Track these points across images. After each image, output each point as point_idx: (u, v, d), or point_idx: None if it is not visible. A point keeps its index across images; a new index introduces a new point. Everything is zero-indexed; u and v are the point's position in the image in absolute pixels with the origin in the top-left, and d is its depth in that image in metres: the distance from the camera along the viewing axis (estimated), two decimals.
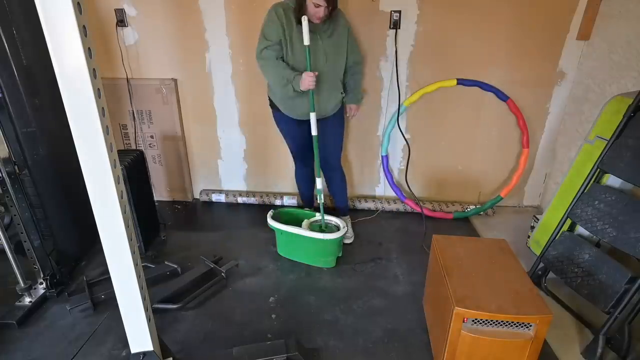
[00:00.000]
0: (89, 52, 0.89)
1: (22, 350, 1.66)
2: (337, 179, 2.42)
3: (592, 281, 1.67)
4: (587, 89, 2.37)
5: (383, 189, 2.90)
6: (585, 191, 1.83)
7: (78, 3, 0.84)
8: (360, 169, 2.84)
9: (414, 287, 2.03)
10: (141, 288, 1.19)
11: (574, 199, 1.85)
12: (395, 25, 2.37)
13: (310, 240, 2.11)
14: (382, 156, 2.71)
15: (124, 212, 1.06)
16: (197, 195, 2.99)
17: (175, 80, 2.61)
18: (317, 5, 1.83)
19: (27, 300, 1.86)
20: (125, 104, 2.65)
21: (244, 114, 2.70)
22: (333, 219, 2.27)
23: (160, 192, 2.94)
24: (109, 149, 0.98)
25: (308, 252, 2.19)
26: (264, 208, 2.86)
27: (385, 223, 2.69)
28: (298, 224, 2.21)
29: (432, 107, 2.59)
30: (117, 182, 1.02)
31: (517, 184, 2.70)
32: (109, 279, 1.14)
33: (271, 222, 2.19)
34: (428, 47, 2.43)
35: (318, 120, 2.07)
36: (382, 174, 2.81)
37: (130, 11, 2.45)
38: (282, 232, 2.18)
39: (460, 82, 2.47)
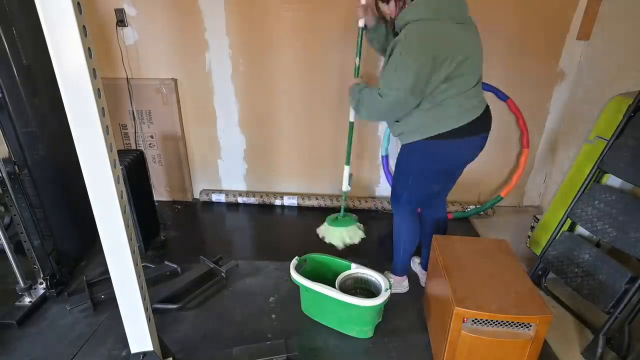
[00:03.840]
0: (89, 52, 0.89)
1: (22, 350, 1.65)
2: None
3: (592, 281, 1.67)
4: (587, 89, 2.37)
5: (383, 189, 2.90)
6: (585, 191, 1.83)
7: (78, 3, 0.84)
8: (360, 169, 2.83)
9: (414, 287, 2.03)
10: (141, 288, 1.19)
11: (574, 199, 1.85)
12: None
13: (343, 304, 1.64)
14: (382, 156, 2.71)
15: (124, 212, 1.06)
16: (197, 195, 2.99)
17: (175, 80, 2.61)
18: None
19: (27, 300, 1.86)
20: (125, 104, 2.65)
21: (243, 114, 2.70)
22: (374, 275, 1.78)
23: (160, 192, 2.93)
24: (109, 149, 0.98)
25: (340, 318, 1.74)
26: (264, 208, 2.87)
27: (385, 223, 2.69)
28: (329, 275, 1.81)
29: None
30: (117, 182, 1.02)
31: (517, 184, 2.70)
32: (109, 279, 1.14)
33: (295, 276, 1.74)
34: None
35: None
36: (382, 174, 2.82)
37: (130, 11, 2.44)
38: (307, 288, 1.74)
39: None
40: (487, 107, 1.67)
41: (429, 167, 1.69)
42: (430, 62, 1.42)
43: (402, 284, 2.00)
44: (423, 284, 2.07)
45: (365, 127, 2.68)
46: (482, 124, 1.63)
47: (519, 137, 2.65)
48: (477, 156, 1.71)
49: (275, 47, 2.48)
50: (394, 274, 2.00)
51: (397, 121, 1.66)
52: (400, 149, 1.75)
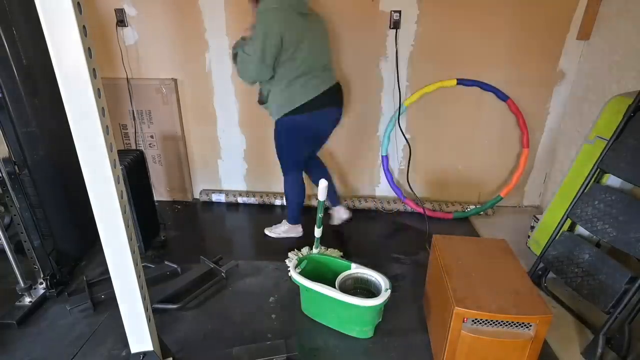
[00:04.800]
0: (89, 52, 0.89)
1: (22, 350, 1.65)
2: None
3: (592, 281, 1.67)
4: (587, 89, 2.37)
5: (383, 189, 2.90)
6: (585, 191, 1.83)
7: (78, 3, 0.84)
8: (360, 169, 2.84)
9: (414, 287, 2.03)
10: (141, 288, 1.19)
11: (574, 199, 1.85)
12: (396, 25, 2.37)
13: (343, 304, 1.64)
14: (382, 156, 2.71)
15: (124, 212, 1.06)
16: (197, 195, 2.99)
17: (175, 80, 2.61)
18: None
19: (27, 300, 1.86)
20: (125, 104, 2.65)
21: (244, 113, 2.70)
22: (374, 275, 1.80)
23: (160, 192, 2.93)
24: (109, 149, 0.98)
25: (340, 318, 1.74)
26: (264, 208, 2.87)
27: (385, 223, 2.69)
28: (329, 275, 1.81)
29: (432, 107, 2.59)
30: (117, 182, 1.02)
31: (517, 184, 2.70)
32: (109, 279, 1.14)
33: (295, 277, 1.74)
34: (428, 47, 2.43)
35: None
36: (382, 174, 2.81)
37: (130, 11, 2.44)
38: (307, 288, 1.73)
39: (460, 82, 2.47)
40: (334, 86, 2.10)
41: (296, 135, 2.12)
42: (277, 39, 1.83)
43: (296, 230, 2.45)
44: (338, 219, 2.59)
45: (365, 128, 2.68)
46: (329, 100, 2.07)
47: (519, 137, 2.65)
48: (335, 125, 2.20)
49: None
50: (289, 223, 2.43)
51: (265, 103, 2.09)
52: (274, 125, 2.15)
